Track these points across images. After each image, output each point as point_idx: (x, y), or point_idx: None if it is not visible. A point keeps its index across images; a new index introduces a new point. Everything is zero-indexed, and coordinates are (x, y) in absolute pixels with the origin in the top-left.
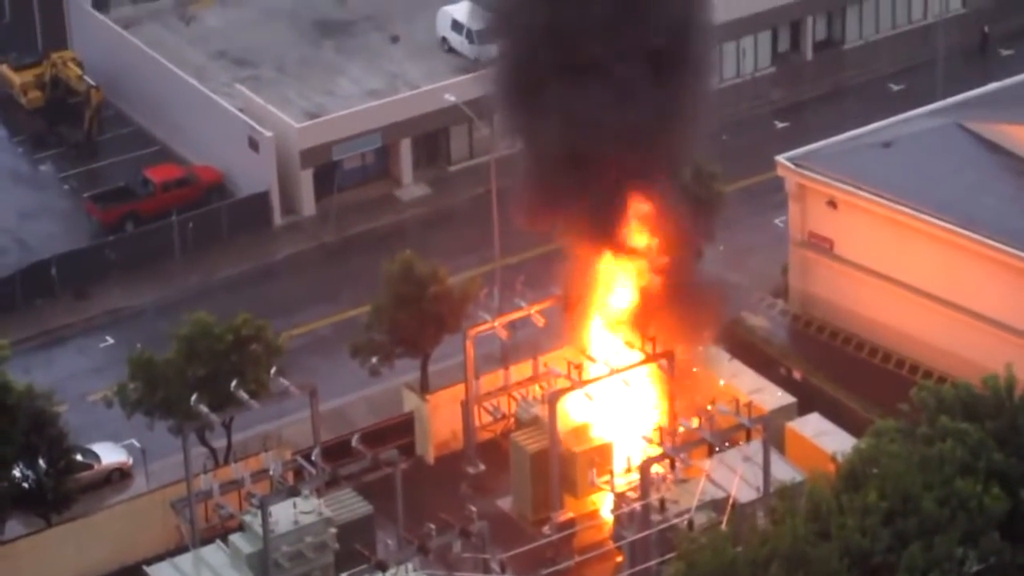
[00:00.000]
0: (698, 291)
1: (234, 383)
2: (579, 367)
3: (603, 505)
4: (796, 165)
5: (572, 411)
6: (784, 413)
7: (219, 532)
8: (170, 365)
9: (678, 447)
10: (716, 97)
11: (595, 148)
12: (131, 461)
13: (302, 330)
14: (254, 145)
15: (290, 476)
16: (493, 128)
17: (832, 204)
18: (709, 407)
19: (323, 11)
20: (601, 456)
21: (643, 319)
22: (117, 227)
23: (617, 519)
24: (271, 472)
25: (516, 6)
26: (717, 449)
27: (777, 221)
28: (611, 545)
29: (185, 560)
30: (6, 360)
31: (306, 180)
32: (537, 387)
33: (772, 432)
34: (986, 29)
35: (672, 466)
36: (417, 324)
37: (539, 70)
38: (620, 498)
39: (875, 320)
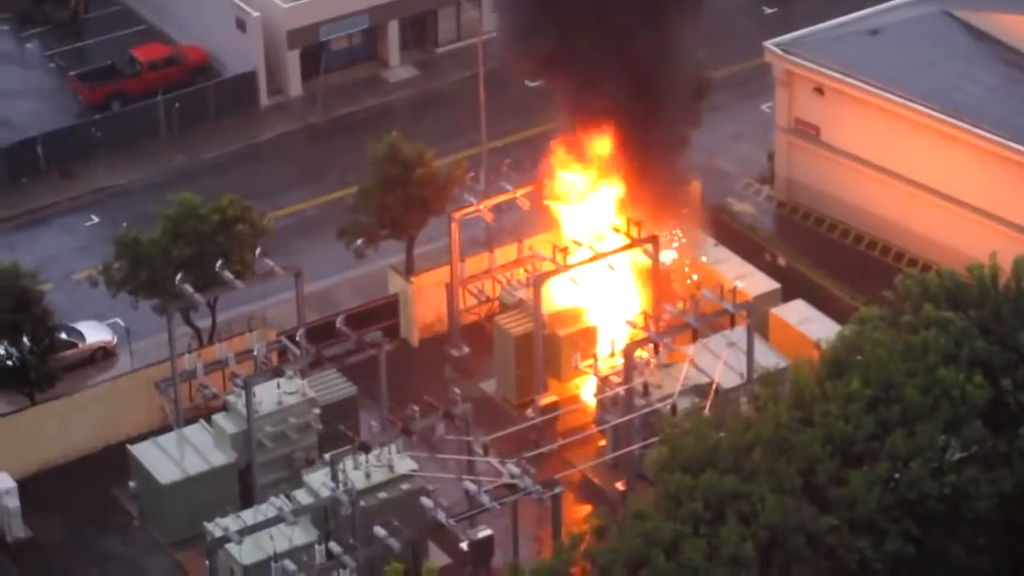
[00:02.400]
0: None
1: (219, 263)
2: (564, 251)
3: (586, 389)
4: (784, 51)
5: (556, 295)
6: (768, 299)
7: (203, 412)
8: (155, 245)
9: (662, 332)
10: None
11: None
12: (115, 340)
13: (287, 211)
14: (241, 25)
15: (274, 357)
16: (481, 10)
17: (819, 91)
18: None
19: None
20: (585, 340)
21: (628, 202)
22: (103, 106)
23: (600, 403)
24: (255, 352)
25: None
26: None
27: (764, 107)
28: (594, 429)
29: (168, 440)
30: None
31: (293, 61)
32: (522, 270)
33: (756, 318)
34: None
35: (656, 351)
36: (403, 206)
37: None
38: (604, 382)
39: (860, 207)
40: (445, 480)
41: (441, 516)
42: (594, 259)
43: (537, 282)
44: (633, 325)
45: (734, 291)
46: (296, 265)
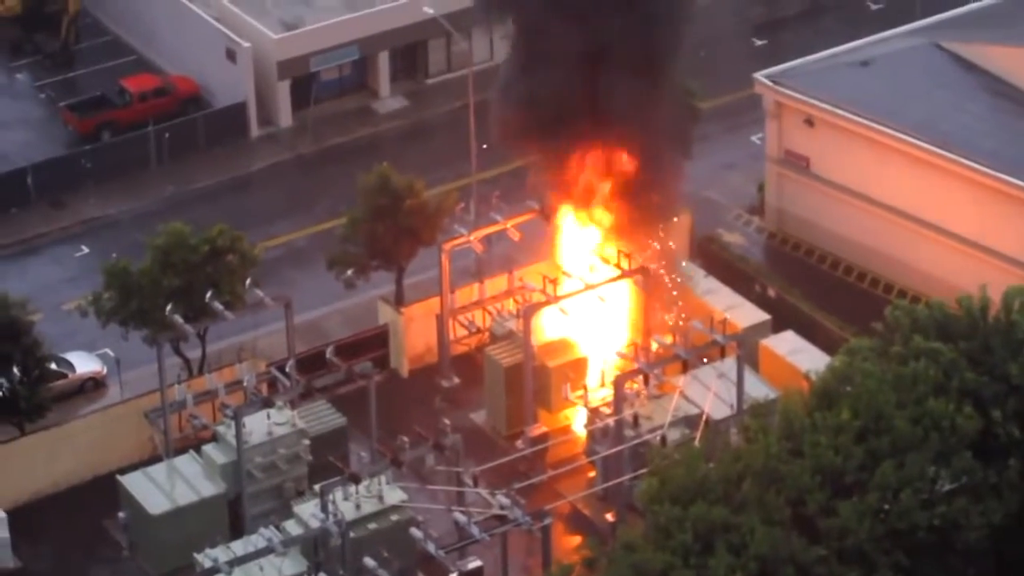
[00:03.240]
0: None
1: (209, 294)
2: (554, 282)
3: (576, 420)
4: (774, 83)
5: (547, 326)
6: (758, 330)
7: (192, 443)
8: (145, 275)
9: (652, 363)
10: (695, 13)
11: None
12: (105, 370)
13: (277, 241)
14: (231, 56)
15: (264, 387)
16: (471, 42)
17: (809, 122)
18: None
19: None
20: (575, 371)
21: (619, 234)
22: (93, 136)
23: (590, 434)
24: (245, 383)
25: None
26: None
27: (754, 138)
28: (584, 460)
29: (158, 470)
30: None
31: (283, 91)
32: (512, 301)
33: (746, 349)
34: None
35: (646, 382)
36: (393, 237)
37: None
38: (593, 413)
39: (850, 238)
40: (435, 511)
41: (431, 547)
42: (584, 290)
43: (527, 313)
44: (623, 356)
45: (724, 322)
46: (286, 296)
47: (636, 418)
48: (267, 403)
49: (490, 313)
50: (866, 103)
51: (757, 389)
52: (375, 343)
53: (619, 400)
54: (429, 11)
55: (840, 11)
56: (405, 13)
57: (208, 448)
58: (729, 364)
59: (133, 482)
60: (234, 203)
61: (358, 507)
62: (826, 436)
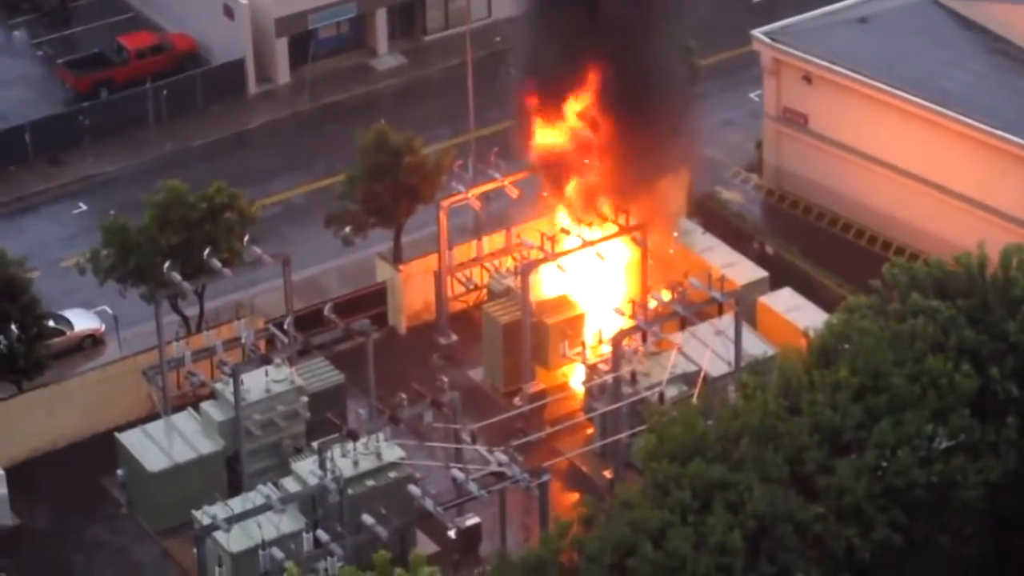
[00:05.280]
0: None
1: (207, 251)
2: (552, 239)
3: (574, 377)
4: (772, 40)
5: (545, 283)
6: (756, 287)
7: (191, 400)
8: (143, 232)
9: (650, 320)
10: None
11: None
12: (103, 328)
13: (276, 199)
14: (229, 12)
15: (262, 345)
16: None
17: (807, 79)
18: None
19: None
20: (573, 328)
21: (617, 190)
22: (91, 94)
23: (588, 391)
24: (243, 340)
25: None
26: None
27: (752, 95)
28: (582, 417)
29: (156, 427)
30: None
31: (281, 48)
32: (510, 258)
33: (744, 307)
34: None
35: (644, 339)
36: (391, 194)
37: None
38: (591, 370)
39: (848, 196)
40: (433, 468)
41: (429, 504)
42: (583, 247)
43: (525, 270)
44: (621, 313)
45: (722, 279)
46: (284, 253)
47: (634, 375)
48: (265, 360)
49: (488, 270)
50: (864, 60)
51: (755, 346)
52: (373, 300)
53: (617, 357)
54: None
55: None
56: None
57: (206, 405)
58: (727, 321)
59: (131, 439)
60: (232, 160)
61: (356, 464)
62: (824, 394)
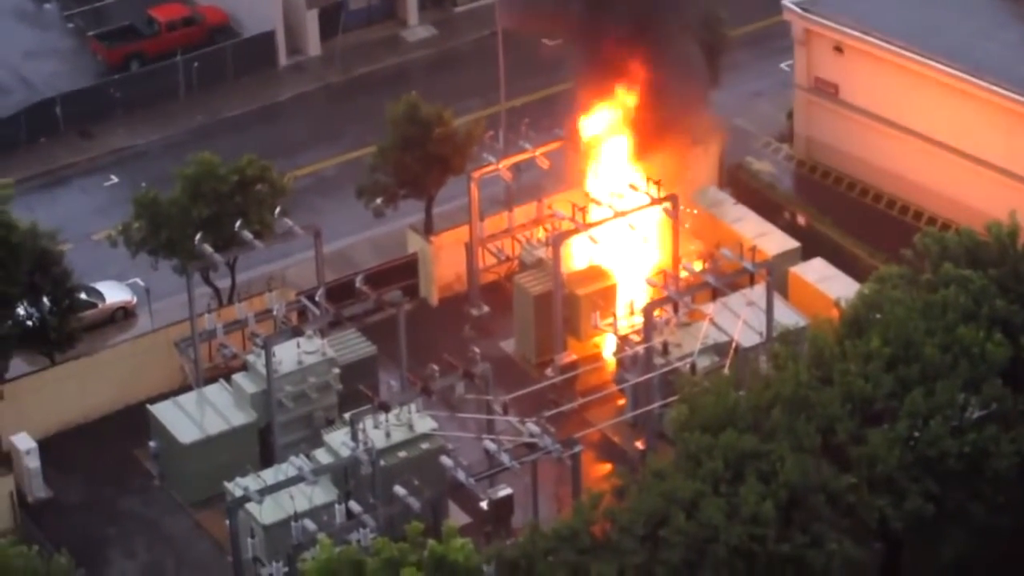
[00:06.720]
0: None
1: (238, 223)
2: (583, 210)
3: (606, 348)
4: (803, 9)
5: (576, 254)
6: (788, 258)
7: (222, 372)
8: (174, 205)
9: (682, 291)
10: None
11: None
12: (135, 300)
13: (306, 171)
14: None
15: (294, 316)
16: None
17: (838, 49)
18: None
19: None
20: (604, 299)
21: (648, 161)
22: (122, 66)
23: (620, 362)
24: (275, 312)
25: None
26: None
27: (783, 65)
28: (613, 388)
29: (189, 399)
30: (10, 199)
31: (312, 20)
32: (541, 230)
33: (775, 277)
34: None
35: (675, 309)
36: (422, 166)
37: None
38: (623, 341)
39: (879, 166)
40: (465, 439)
41: (461, 475)
42: (614, 218)
43: (556, 241)
44: (652, 284)
45: (753, 250)
46: (315, 225)
47: (666, 346)
48: (297, 332)
49: (519, 241)
50: (896, 30)
51: (786, 316)
52: (404, 272)
53: (648, 328)
54: None
55: None
56: None
57: (238, 377)
58: (759, 291)
59: (163, 411)
60: (263, 133)
61: (388, 436)
62: (856, 364)
